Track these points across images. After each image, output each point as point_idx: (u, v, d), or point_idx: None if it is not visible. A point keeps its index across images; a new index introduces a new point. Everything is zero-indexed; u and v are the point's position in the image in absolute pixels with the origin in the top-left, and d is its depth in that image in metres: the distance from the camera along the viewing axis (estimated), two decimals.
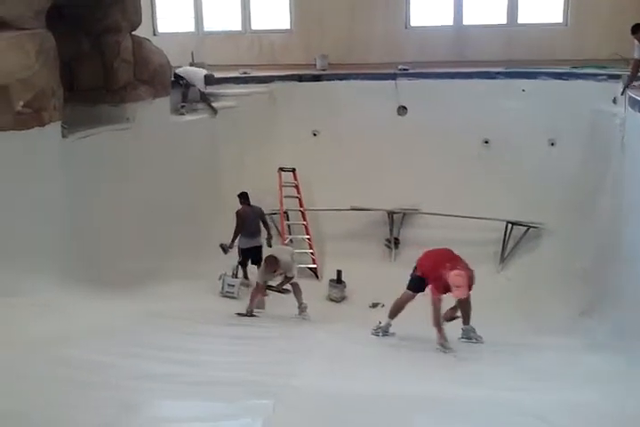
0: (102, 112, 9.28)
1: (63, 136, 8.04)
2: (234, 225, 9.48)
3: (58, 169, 7.61)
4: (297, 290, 8.25)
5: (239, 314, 7.93)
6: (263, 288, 8.33)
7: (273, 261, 7.94)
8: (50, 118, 7.65)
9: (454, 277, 6.05)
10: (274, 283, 8.79)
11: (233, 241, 9.53)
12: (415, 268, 6.76)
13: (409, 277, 6.78)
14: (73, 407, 4.20)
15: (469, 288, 6.17)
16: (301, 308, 8.21)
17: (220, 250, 9.54)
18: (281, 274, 8.33)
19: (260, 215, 9.73)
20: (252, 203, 9.80)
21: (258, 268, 8.97)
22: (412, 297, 6.72)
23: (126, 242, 8.64)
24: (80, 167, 8.10)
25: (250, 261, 9.77)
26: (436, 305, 6.28)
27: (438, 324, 6.32)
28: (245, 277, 9.83)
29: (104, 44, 9.42)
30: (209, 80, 11.24)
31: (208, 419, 4.41)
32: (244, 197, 9.73)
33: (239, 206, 9.68)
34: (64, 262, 7.16)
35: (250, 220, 9.59)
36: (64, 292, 6.69)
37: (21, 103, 7.28)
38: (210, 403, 4.59)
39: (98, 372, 4.68)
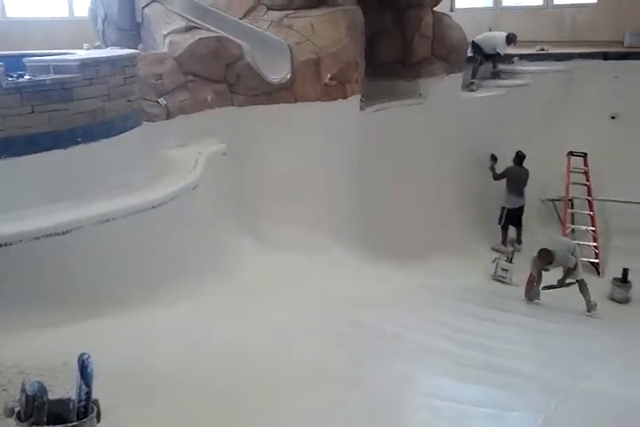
0: (396, 86, 9.45)
1: (360, 109, 8.38)
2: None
3: (356, 143, 7.94)
4: (583, 287, 7.87)
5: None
6: (535, 279, 7.95)
7: (545, 255, 7.71)
8: (352, 91, 8.01)
9: None
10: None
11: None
12: None
13: None
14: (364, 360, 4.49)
15: None
16: (590, 305, 7.78)
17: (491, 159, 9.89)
18: (559, 266, 7.93)
19: (526, 176, 9.80)
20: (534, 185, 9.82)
21: (517, 229, 9.73)
22: None
23: (407, 214, 8.78)
24: (372, 140, 8.36)
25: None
26: None
27: None
28: (504, 242, 9.83)
29: (406, 20, 9.53)
30: (511, 39, 10.90)
31: (488, 406, 4.34)
32: (519, 157, 9.76)
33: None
34: (353, 229, 7.52)
35: (519, 180, 9.74)
36: (350, 255, 7.03)
37: (329, 76, 7.72)
38: (493, 390, 4.50)
39: (388, 338, 4.83)
